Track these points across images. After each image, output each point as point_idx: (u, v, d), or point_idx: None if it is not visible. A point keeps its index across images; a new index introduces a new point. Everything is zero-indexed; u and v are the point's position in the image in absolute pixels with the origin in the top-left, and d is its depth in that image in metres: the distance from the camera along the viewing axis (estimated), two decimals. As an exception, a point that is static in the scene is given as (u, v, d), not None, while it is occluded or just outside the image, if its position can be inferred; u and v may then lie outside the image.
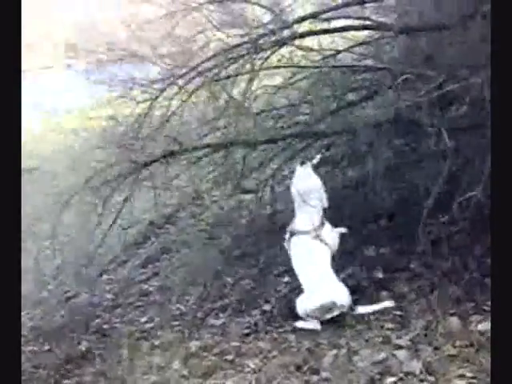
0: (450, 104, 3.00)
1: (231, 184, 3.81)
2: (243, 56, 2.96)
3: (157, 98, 3.03)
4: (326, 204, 2.97)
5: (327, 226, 2.97)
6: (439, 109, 2.73)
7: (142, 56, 3.34)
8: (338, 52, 3.35)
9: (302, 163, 3.05)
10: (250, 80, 3.00)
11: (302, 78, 3.39)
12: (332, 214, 3.42)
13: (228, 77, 3.01)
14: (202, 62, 3.03)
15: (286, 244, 3.01)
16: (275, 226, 3.79)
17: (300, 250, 2.90)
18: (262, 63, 3.09)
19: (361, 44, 3.47)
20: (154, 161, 3.00)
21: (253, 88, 3.05)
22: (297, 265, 2.88)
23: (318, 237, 2.87)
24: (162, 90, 3.03)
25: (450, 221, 2.79)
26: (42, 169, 6.62)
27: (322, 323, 2.68)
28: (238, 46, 3.01)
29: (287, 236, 2.99)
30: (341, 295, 2.71)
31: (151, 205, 5.13)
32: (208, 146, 3.14)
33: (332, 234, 2.97)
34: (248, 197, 4.13)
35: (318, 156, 3.18)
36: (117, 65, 3.56)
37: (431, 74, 2.73)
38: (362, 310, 2.69)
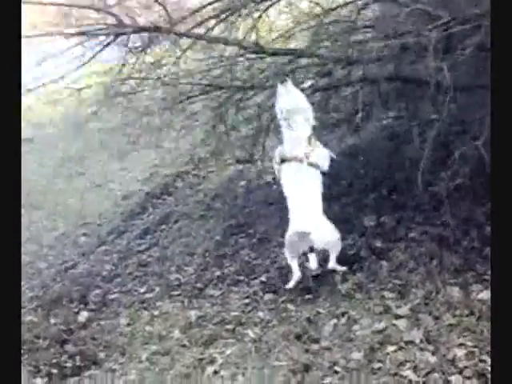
0: (454, 47, 2.87)
1: (229, 153, 3.77)
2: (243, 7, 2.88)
3: (149, 45, 2.92)
4: (313, 122, 2.79)
5: (318, 146, 2.80)
6: (443, 49, 2.63)
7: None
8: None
9: (283, 81, 2.80)
10: (252, 28, 2.92)
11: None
12: (332, 183, 3.41)
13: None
14: (202, 7, 2.93)
15: (276, 169, 2.85)
16: (273, 195, 3.77)
17: (292, 177, 2.76)
18: (263, 12, 3.00)
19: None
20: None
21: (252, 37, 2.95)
22: (288, 191, 2.77)
23: (310, 164, 2.73)
24: (156, 37, 2.91)
25: (450, 179, 2.72)
26: (38, 139, 6.54)
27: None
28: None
29: (277, 161, 2.82)
30: (320, 231, 2.65)
31: (148, 175, 5.14)
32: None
33: (323, 154, 2.81)
34: (245, 167, 4.09)
35: (310, 81, 2.98)
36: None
37: (439, 13, 2.61)
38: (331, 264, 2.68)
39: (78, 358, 2.61)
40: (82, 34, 2.79)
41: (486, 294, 2.40)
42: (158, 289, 3.15)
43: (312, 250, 2.62)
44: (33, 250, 4.20)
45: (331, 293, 2.66)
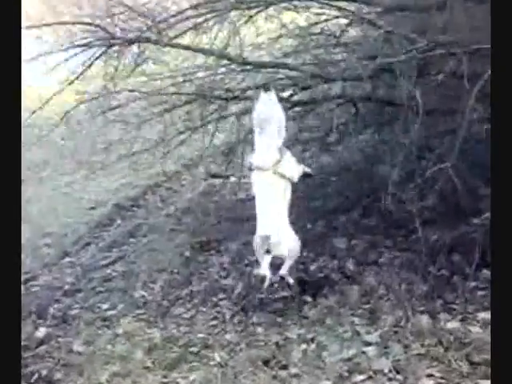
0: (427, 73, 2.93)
1: (202, 168, 3.72)
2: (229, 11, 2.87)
3: (132, 42, 2.86)
4: (284, 133, 2.84)
5: (287, 157, 2.85)
6: (418, 73, 2.66)
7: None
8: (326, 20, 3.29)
9: (267, 89, 2.86)
10: (234, 33, 2.89)
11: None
12: (305, 204, 3.40)
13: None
14: (186, 10, 2.90)
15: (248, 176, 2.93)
16: (246, 213, 3.73)
17: (259, 184, 2.82)
18: (247, 20, 3.00)
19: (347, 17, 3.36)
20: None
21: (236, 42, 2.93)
22: (256, 197, 2.81)
23: (277, 173, 2.78)
24: (134, 41, 2.86)
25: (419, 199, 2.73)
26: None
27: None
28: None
29: (247, 168, 2.89)
30: (280, 236, 2.68)
31: (118, 186, 5.00)
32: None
33: (292, 166, 2.86)
34: (219, 182, 4.04)
35: (290, 91, 3.04)
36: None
37: (415, 38, 2.67)
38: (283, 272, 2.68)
39: (33, 377, 2.46)
40: (75, 46, 2.75)
41: (454, 324, 2.40)
42: (121, 306, 3.03)
43: (268, 252, 2.64)
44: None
45: (301, 317, 2.61)
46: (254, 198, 3.78)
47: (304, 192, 3.39)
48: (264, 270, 2.65)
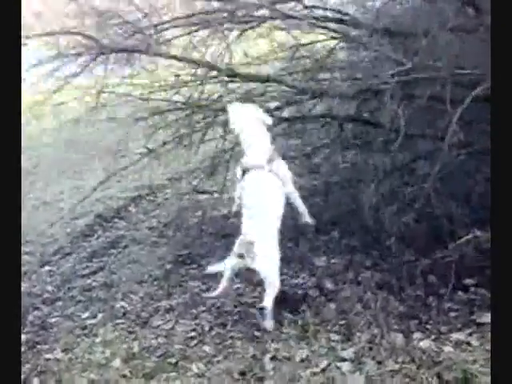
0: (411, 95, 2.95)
1: (186, 182, 3.76)
2: (221, 24, 2.92)
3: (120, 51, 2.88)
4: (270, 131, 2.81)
5: (280, 161, 2.79)
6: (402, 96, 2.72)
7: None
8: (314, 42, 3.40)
9: (230, 102, 2.92)
10: (227, 46, 2.95)
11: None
12: (285, 222, 3.46)
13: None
14: (178, 18, 2.96)
15: (238, 184, 2.76)
16: (228, 228, 3.78)
17: (252, 186, 2.67)
18: (240, 34, 3.05)
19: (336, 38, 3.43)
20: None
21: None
22: (247, 201, 2.65)
23: (272, 171, 2.68)
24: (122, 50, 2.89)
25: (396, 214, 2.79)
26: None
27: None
28: (214, 12, 2.99)
29: (239, 174, 2.76)
30: (266, 247, 2.54)
31: (100, 196, 5.01)
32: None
33: (285, 168, 2.79)
34: (202, 197, 4.09)
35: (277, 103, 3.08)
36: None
37: (401, 60, 2.75)
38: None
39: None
40: (64, 56, 2.80)
41: (426, 343, 2.48)
42: (101, 315, 3.04)
43: (241, 256, 2.49)
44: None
45: (278, 332, 2.66)
46: (236, 213, 3.88)
47: (286, 211, 3.45)
48: (218, 267, 2.53)
